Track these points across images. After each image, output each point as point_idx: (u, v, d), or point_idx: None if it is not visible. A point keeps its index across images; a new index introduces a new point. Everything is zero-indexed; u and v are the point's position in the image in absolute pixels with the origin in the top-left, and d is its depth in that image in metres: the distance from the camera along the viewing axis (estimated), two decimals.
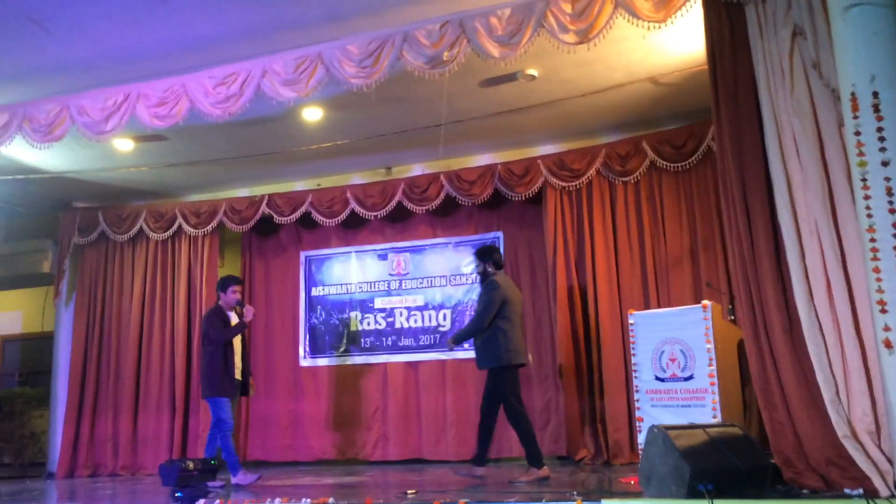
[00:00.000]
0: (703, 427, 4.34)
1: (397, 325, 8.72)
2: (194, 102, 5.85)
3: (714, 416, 5.53)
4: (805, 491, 4.09)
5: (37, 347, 10.73)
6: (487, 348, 5.77)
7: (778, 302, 4.39)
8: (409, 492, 5.03)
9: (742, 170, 4.60)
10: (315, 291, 9.12)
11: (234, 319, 6.64)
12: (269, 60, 5.70)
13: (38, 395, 9.35)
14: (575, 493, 4.42)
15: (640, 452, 6.04)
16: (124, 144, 7.55)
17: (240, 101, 5.77)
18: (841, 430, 4.05)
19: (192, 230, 8.97)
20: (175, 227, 9.02)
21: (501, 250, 8.39)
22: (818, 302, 4.25)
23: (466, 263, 8.55)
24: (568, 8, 5.08)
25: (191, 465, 4.75)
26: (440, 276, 8.66)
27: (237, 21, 5.62)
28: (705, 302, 5.76)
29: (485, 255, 6.09)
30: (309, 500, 4.59)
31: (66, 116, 6.02)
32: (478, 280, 6.15)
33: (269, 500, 4.81)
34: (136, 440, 8.78)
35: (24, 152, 7.36)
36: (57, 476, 8.66)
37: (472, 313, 5.94)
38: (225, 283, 6.75)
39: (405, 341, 8.65)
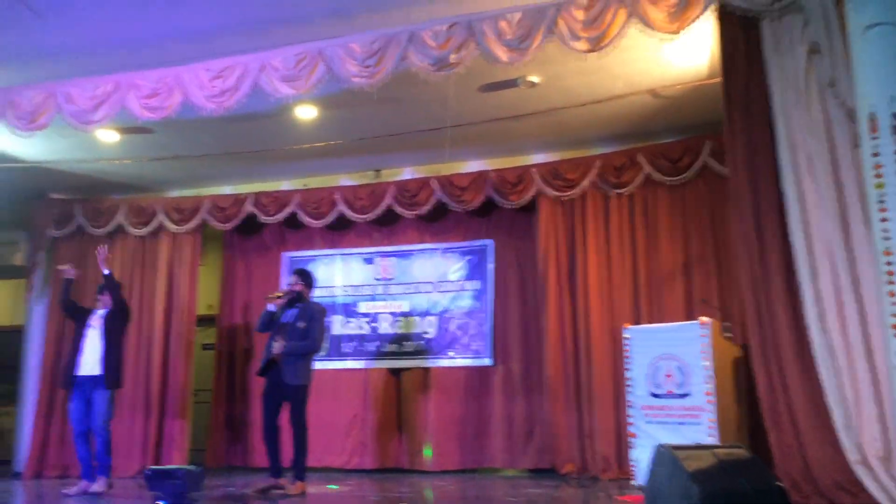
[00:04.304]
0: (712, 448, 4.23)
1: (381, 331, 8.54)
2: (188, 95, 5.64)
3: (710, 435, 5.44)
4: None
5: (2, 342, 10.38)
6: (303, 366, 6.25)
7: (788, 323, 4.34)
8: None
9: (755, 187, 4.55)
10: None
11: None
12: (267, 55, 5.52)
13: (5, 392, 9.00)
14: None
15: (633, 468, 6.02)
16: (108, 136, 7.28)
17: (235, 95, 5.58)
18: (852, 456, 4.00)
19: (174, 227, 8.71)
20: (156, 223, 8.75)
21: (492, 258, 8.29)
22: (830, 324, 4.20)
23: (454, 270, 8.40)
24: (580, 15, 4.98)
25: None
26: (426, 283, 8.50)
27: (236, 13, 5.43)
28: (704, 319, 5.68)
29: (309, 277, 6.56)
30: None
31: (52, 104, 5.76)
32: (289, 295, 6.47)
33: None
34: None
35: None
36: (24, 476, 8.33)
37: (301, 329, 6.23)
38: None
39: (389, 347, 8.47)
